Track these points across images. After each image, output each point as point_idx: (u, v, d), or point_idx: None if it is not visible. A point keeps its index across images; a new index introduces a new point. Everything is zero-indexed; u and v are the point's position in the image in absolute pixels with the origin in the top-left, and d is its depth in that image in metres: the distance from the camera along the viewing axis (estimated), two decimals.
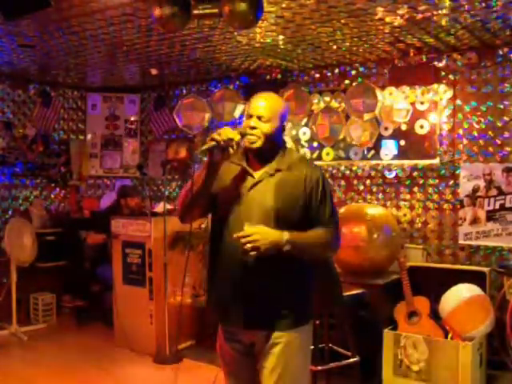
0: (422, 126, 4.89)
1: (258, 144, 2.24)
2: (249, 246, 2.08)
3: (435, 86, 4.80)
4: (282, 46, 4.73)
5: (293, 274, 2.25)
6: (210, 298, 2.39)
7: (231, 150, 2.19)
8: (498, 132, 4.57)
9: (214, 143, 2.16)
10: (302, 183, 2.23)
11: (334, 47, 4.72)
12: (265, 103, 2.27)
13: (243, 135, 2.22)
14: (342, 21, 3.98)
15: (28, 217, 6.21)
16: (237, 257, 2.19)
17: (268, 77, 5.80)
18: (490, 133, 4.62)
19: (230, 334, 2.32)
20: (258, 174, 2.28)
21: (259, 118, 2.24)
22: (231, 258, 2.23)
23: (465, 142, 4.74)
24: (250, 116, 2.27)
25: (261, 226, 2.11)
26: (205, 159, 2.27)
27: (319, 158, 5.44)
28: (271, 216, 2.16)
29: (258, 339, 2.25)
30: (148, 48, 4.87)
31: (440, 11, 3.70)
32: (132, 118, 7.02)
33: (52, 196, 6.73)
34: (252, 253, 2.09)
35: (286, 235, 2.11)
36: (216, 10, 3.33)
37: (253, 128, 2.23)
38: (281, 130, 2.31)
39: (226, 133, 2.17)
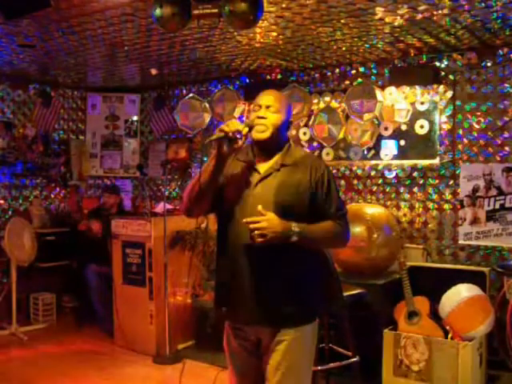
0: (422, 126, 4.89)
1: (267, 134, 2.25)
2: (256, 232, 2.08)
3: (435, 85, 4.80)
4: (281, 46, 4.73)
5: (300, 273, 2.25)
6: (217, 295, 2.39)
7: (240, 142, 2.21)
8: (498, 132, 4.57)
9: (222, 134, 2.17)
10: (308, 176, 2.24)
11: (334, 47, 4.72)
12: (273, 95, 2.31)
13: (251, 128, 2.24)
14: (342, 21, 3.98)
15: (28, 217, 6.21)
16: (244, 254, 2.20)
17: (268, 77, 5.80)
18: (489, 133, 4.62)
19: (238, 330, 2.33)
20: (263, 169, 2.29)
21: (268, 107, 2.26)
22: (238, 255, 2.23)
23: (465, 141, 4.74)
24: (259, 107, 2.29)
25: (272, 214, 2.12)
26: (205, 160, 2.28)
27: (319, 158, 5.44)
28: (277, 211, 2.15)
29: (264, 336, 2.26)
30: (148, 48, 4.87)
31: (440, 11, 3.70)
32: (132, 118, 7.02)
33: (52, 196, 6.73)
34: (259, 239, 2.09)
35: (294, 227, 2.12)
36: (216, 10, 3.32)
37: (261, 118, 2.25)
38: (287, 124, 2.33)
39: (235, 124, 2.20)
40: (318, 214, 2.23)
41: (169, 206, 5.09)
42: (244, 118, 5.82)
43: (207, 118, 6.02)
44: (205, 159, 2.35)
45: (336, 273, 3.71)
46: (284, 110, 2.30)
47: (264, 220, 2.09)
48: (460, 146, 4.76)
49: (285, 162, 2.27)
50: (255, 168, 2.30)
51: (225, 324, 2.41)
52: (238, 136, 2.19)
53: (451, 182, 4.80)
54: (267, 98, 2.30)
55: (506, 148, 4.54)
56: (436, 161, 4.83)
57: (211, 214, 2.49)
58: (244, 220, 2.12)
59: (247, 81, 5.98)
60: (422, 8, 3.65)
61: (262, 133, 2.25)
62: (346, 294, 3.72)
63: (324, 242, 2.32)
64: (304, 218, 2.18)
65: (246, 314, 2.25)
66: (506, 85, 4.52)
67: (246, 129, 2.22)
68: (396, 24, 4.00)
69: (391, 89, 4.92)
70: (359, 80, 5.23)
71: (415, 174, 4.96)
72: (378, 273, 4.54)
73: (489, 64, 4.59)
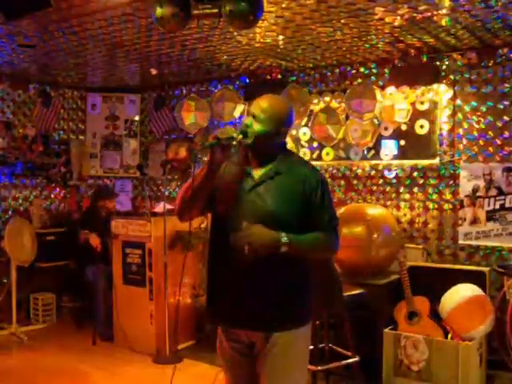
0: (422, 126, 4.89)
1: (250, 140, 2.23)
2: (246, 247, 2.09)
3: (435, 85, 4.80)
4: (281, 46, 4.73)
5: (292, 276, 2.25)
6: (209, 299, 2.39)
7: (232, 149, 2.21)
8: (498, 132, 4.57)
9: (215, 141, 2.17)
10: (302, 186, 2.22)
11: (334, 47, 4.72)
12: (263, 104, 2.26)
13: (245, 135, 2.23)
14: (342, 21, 3.98)
15: (28, 217, 6.21)
16: (235, 258, 2.19)
17: (268, 77, 5.80)
18: (490, 133, 4.62)
19: (230, 333, 2.33)
20: (257, 176, 2.28)
21: (254, 116, 2.25)
22: (229, 258, 2.22)
23: (465, 142, 4.74)
24: (248, 113, 2.31)
25: (258, 226, 2.12)
26: (204, 159, 2.29)
27: (319, 157, 5.44)
28: (270, 219, 2.15)
29: (257, 339, 2.25)
30: (148, 48, 4.87)
31: (440, 11, 3.70)
32: (132, 118, 7.02)
33: (52, 196, 6.73)
34: (249, 254, 2.09)
35: (283, 238, 2.11)
36: (216, 10, 3.32)
37: (246, 126, 2.25)
38: (277, 133, 2.27)
39: (229, 131, 2.20)
40: (309, 223, 2.22)
41: (169, 206, 5.09)
42: (244, 118, 5.83)
43: (207, 117, 6.02)
44: (205, 158, 2.35)
45: (336, 273, 3.72)
46: (272, 120, 2.23)
47: (252, 234, 2.10)
48: (460, 146, 4.76)
49: (279, 170, 2.26)
50: (249, 174, 2.29)
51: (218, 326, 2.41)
52: (233, 143, 2.19)
53: (451, 182, 4.80)
54: (256, 106, 2.27)
55: (506, 148, 4.54)
56: (436, 161, 4.84)
57: (204, 215, 2.50)
58: (231, 237, 2.13)
59: (247, 81, 5.98)
60: (422, 8, 3.65)
61: (245, 138, 2.23)
62: (346, 294, 3.74)
63: (312, 253, 2.30)
64: (295, 226, 2.18)
65: (238, 318, 2.24)
66: (506, 85, 4.52)
67: (241, 136, 2.21)
68: (396, 24, 4.00)
69: (391, 89, 4.92)
70: (359, 80, 5.23)
71: (415, 173, 4.96)
72: (378, 273, 4.53)
73: (489, 64, 4.58)
